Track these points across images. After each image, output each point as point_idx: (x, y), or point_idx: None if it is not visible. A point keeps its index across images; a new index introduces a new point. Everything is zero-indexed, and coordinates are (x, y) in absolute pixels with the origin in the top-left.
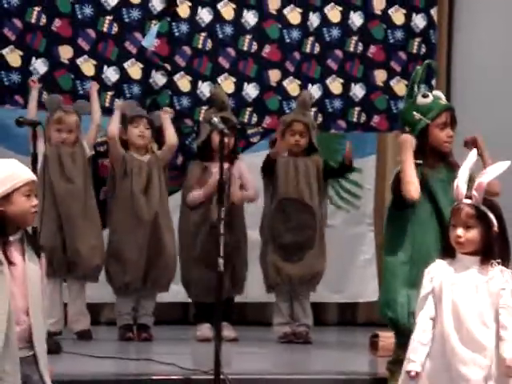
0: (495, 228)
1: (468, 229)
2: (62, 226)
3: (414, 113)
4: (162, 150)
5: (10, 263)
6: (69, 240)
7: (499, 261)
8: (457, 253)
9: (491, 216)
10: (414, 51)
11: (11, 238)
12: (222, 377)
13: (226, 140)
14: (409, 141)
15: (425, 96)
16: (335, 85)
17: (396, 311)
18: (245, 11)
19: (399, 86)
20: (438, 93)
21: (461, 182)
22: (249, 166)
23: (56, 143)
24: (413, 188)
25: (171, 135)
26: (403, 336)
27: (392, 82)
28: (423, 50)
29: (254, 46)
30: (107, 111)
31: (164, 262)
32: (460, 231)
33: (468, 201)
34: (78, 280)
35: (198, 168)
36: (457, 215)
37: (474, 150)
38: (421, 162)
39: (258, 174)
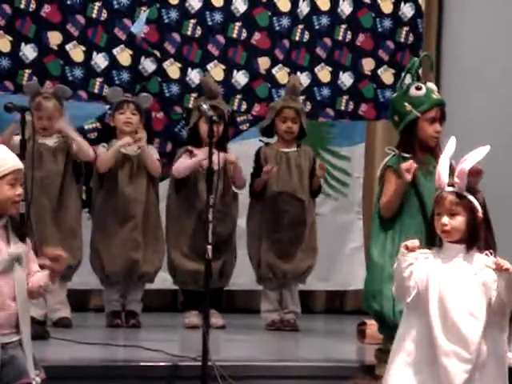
0: (480, 214)
1: (453, 216)
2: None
3: (406, 104)
4: (149, 162)
5: None
6: (39, 240)
7: (491, 251)
8: (443, 242)
9: (475, 202)
10: (402, 40)
11: None
12: (209, 363)
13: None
14: (413, 169)
15: (418, 88)
16: (324, 73)
17: (381, 304)
18: None
19: (387, 75)
20: (432, 86)
21: (442, 171)
22: (237, 153)
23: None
24: (390, 210)
25: (153, 169)
26: (388, 329)
27: (380, 71)
28: (411, 38)
29: (244, 34)
30: (96, 98)
31: (150, 257)
32: (445, 219)
33: (450, 188)
34: None
35: (184, 153)
36: (440, 204)
37: (453, 138)
38: (409, 155)
39: (247, 161)
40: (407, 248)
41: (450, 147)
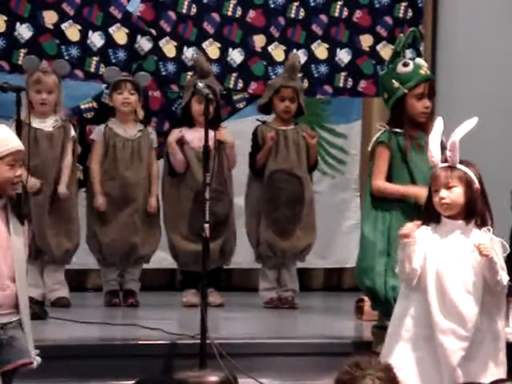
0: (476, 185)
1: (450, 189)
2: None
3: (393, 81)
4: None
5: None
6: (37, 226)
7: (489, 228)
8: (441, 218)
9: (469, 172)
10: (401, 15)
11: None
12: (208, 341)
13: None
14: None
15: (405, 64)
16: (320, 50)
17: (373, 280)
18: None
19: (386, 51)
20: (421, 61)
21: (433, 149)
22: (234, 131)
23: (37, 107)
24: (383, 195)
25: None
26: (381, 305)
27: (378, 47)
28: (409, 14)
29: (239, 12)
30: (93, 77)
31: (147, 239)
32: (443, 193)
33: (445, 164)
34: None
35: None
36: (437, 180)
37: (440, 118)
38: (401, 131)
39: (244, 140)
40: (405, 236)
41: (438, 127)
